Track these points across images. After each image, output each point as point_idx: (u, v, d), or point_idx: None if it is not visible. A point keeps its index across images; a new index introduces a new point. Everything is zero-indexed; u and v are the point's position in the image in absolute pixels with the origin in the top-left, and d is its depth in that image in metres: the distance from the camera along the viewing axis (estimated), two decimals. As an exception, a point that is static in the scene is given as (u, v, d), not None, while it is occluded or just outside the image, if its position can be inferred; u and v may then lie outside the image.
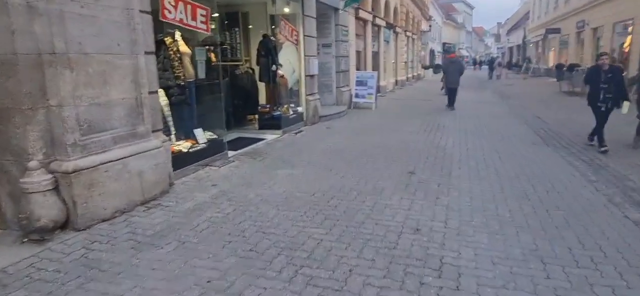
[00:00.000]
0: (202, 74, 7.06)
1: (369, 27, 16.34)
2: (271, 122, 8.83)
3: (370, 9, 16.12)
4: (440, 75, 19.64)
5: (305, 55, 9.67)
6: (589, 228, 3.80)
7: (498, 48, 79.50)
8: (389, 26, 20.56)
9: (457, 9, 72.77)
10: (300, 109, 9.81)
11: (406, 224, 3.95)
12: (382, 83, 18.95)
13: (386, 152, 7.03)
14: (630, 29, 16.87)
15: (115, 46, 4.23)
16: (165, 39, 5.77)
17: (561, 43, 28.27)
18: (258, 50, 8.77)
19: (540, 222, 3.96)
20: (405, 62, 26.99)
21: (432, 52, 44.51)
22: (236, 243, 3.58)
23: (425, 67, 35.55)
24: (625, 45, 17.36)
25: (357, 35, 15.33)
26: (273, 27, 9.50)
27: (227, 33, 9.82)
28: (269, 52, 8.62)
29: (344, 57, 12.82)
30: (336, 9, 12.12)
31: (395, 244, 3.53)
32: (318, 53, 11.93)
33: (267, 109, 9.01)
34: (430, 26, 38.69)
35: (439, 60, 47.68)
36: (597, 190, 4.94)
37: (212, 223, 4.02)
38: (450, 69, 13.69)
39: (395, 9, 22.40)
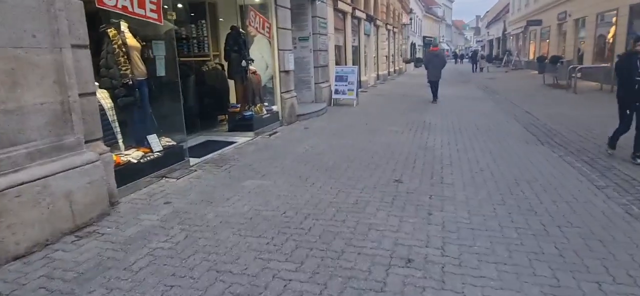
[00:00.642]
0: (161, 71, 6.20)
1: (349, 20, 15.61)
2: (242, 124, 8.02)
3: (349, 1, 15.38)
4: (422, 68, 19.24)
5: (279, 49, 8.87)
6: (616, 252, 3.14)
7: (478, 41, 79.98)
8: (370, 19, 19.88)
9: (437, 2, 72.72)
10: (275, 108, 9.01)
11: (395, 253, 3.22)
12: (363, 78, 18.28)
13: (369, 156, 6.31)
14: (614, 19, 16.55)
15: (29, 38, 3.37)
16: (109, 30, 4.90)
17: (542, 35, 28.09)
18: (226, 44, 7.92)
19: (555, 245, 3.29)
20: (387, 56, 26.41)
21: (413, 45, 44.12)
22: (179, 290, 2.79)
23: (407, 61, 35.07)
24: (609, 36, 17.06)
25: (336, 28, 14.58)
26: (244, 19, 8.67)
27: (193, 26, 8.94)
28: (238, 46, 7.78)
29: (322, 51, 12.05)
30: (313, 0, 11.35)
31: (382, 284, 2.80)
32: (295, 47, 11.16)
33: (238, 109, 8.19)
34: (410, 19, 38.23)
35: (420, 54, 47.42)
36: (609, 197, 4.32)
37: (154, 258, 3.22)
38: (433, 62, 13.56)
39: (376, 1, 21.73)
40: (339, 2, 13.55)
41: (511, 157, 6.08)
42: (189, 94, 8.08)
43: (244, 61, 7.83)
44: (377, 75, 22.92)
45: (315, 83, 11.96)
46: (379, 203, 4.31)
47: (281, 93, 9.09)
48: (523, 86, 18.20)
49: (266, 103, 8.91)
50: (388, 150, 6.65)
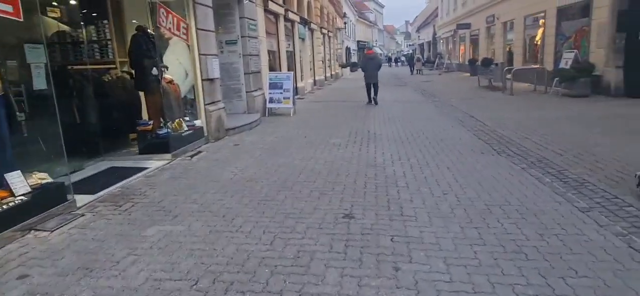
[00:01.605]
0: (41, 84, 4.71)
1: (282, 23, 14.53)
2: (156, 144, 6.62)
3: (281, 2, 14.31)
4: (358, 72, 18.71)
5: (200, 54, 7.56)
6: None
7: (409, 45, 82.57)
8: (304, 22, 18.96)
9: (369, 7, 74.08)
10: (198, 123, 7.68)
11: (359, 351, 2.16)
12: (300, 84, 17.30)
13: (311, 180, 5.24)
14: (541, 22, 16.98)
15: None
16: None
17: (472, 38, 28.88)
18: (131, 48, 6.49)
19: (571, 312, 2.41)
20: (323, 61, 25.69)
21: (348, 49, 44.06)
22: None
23: (343, 65, 34.74)
24: (537, 37, 17.50)
25: (269, 32, 13.44)
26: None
27: (92, 27, 7.38)
28: (147, 50, 6.38)
29: (253, 56, 10.85)
30: (241, 0, 10.14)
31: None
32: (221, 51, 9.89)
33: (150, 127, 6.76)
34: (345, 23, 38.01)
35: (355, 58, 47.57)
36: (601, 225, 3.59)
37: None
38: (369, 65, 13.76)
39: (309, 4, 20.88)
40: (269, 2, 12.43)
41: (472, 173, 5.30)
42: (87, 110, 6.57)
43: (154, 69, 6.44)
44: (314, 80, 22.07)
45: (247, 92, 10.73)
46: (327, 254, 3.24)
47: (205, 105, 7.78)
48: (459, 88, 18.20)
49: (187, 118, 7.55)
50: (332, 171, 5.63)
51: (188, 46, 7.47)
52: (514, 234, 3.48)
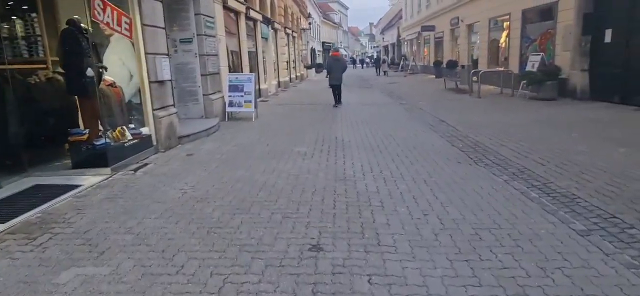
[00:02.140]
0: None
1: (243, 21, 13.71)
2: (93, 157, 5.72)
3: (243, -1, 13.51)
4: (323, 74, 18.20)
5: (147, 53, 6.70)
6: None
7: (374, 47, 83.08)
8: (267, 21, 18.18)
9: (334, 9, 73.92)
10: (145, 131, 6.81)
11: None
12: (263, 86, 16.52)
13: (272, 199, 4.55)
14: (505, 25, 16.99)
15: None
16: None
17: (436, 40, 28.97)
18: (61, 45, 5.57)
19: None
20: (288, 62, 24.96)
21: (313, 51, 43.51)
22: None
23: (308, 67, 34.14)
24: (501, 40, 17.52)
25: (229, 31, 12.61)
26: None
27: (18, 21, 6.37)
28: (79, 48, 5.48)
29: (211, 56, 10.01)
30: (196, -7, 9.29)
31: None
32: (175, 50, 9.00)
33: (85, 136, 5.85)
34: (309, 24, 37.43)
35: (320, 60, 47.08)
36: (607, 254, 3.09)
37: None
38: (334, 66, 13.59)
39: (272, 3, 20.12)
40: (229, -1, 11.62)
41: (452, 188, 4.77)
42: (7, 118, 5.58)
43: (89, 69, 5.55)
44: (278, 82, 21.32)
45: (205, 95, 9.87)
46: (290, 306, 2.57)
47: (154, 110, 6.91)
48: (426, 90, 17.97)
49: (132, 125, 6.66)
50: (297, 187, 4.96)
51: (132, 44, 6.58)
52: (512, 269, 2.93)
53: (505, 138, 7.28)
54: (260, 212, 4.18)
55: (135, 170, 5.90)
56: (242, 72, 13.42)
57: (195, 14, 9.39)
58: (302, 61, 33.51)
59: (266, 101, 15.65)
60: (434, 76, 26.48)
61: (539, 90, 12.00)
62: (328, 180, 5.23)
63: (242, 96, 10.45)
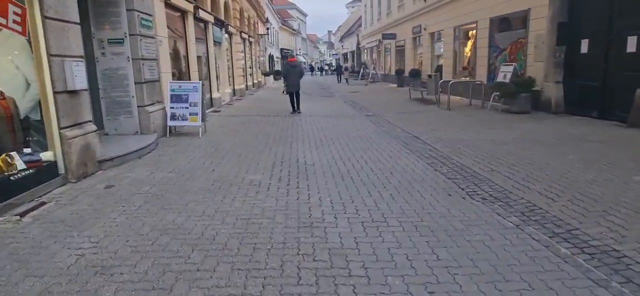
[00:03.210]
0: None
1: (191, 22, 12.16)
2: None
3: (190, -3, 11.96)
4: (282, 81, 16.91)
5: (51, 55, 5.12)
6: None
7: (333, 54, 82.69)
8: (220, 24, 16.65)
9: (292, 16, 72.86)
10: (46, 156, 5.21)
11: None
12: (215, 95, 14.96)
13: (208, 268, 3.17)
14: (471, 33, 16.41)
15: None
16: None
17: (398, 48, 28.40)
18: None
19: None
20: (244, 68, 23.43)
21: (271, 57, 42.09)
22: None
23: (266, 74, 32.67)
24: (467, 50, 16.94)
25: (174, 33, 11.04)
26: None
27: None
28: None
29: (148, 61, 8.44)
30: (128, -15, 7.72)
31: None
32: (103, 53, 7.40)
33: (-52, 170, 4.21)
34: (267, 29, 36.01)
35: (279, 66, 45.74)
36: None
37: None
38: (291, 72, 13.31)
39: (226, 5, 18.60)
40: (172, -5, 10.07)
41: (454, 240, 3.59)
42: None
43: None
44: (233, 90, 19.76)
45: (140, 107, 8.28)
46: None
47: (61, 129, 5.32)
48: (390, 100, 17.04)
49: (28, 150, 5.05)
50: (246, 242, 3.60)
51: (29, 42, 4.99)
52: None
53: (493, 161, 6.27)
54: (187, 293, 2.80)
55: (23, 213, 4.31)
56: (189, 79, 11.85)
57: (127, 10, 7.82)
58: (259, 67, 32.01)
59: (219, 111, 14.11)
60: (396, 85, 25.83)
61: (512, 102, 11.28)
62: (289, 227, 3.91)
63: (186, 108, 8.93)
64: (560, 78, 10.90)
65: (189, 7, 11.68)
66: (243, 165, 6.40)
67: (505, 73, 12.06)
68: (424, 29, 21.62)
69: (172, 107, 8.92)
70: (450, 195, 4.85)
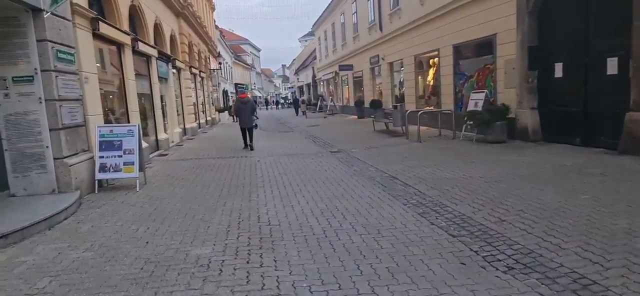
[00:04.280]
0: None
1: (130, 56, 10.64)
2: None
3: (125, 27, 10.47)
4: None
5: None
6: None
7: (289, 87, 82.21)
8: (165, 59, 15.16)
9: (245, 51, 72.05)
10: None
11: None
12: (162, 136, 13.34)
13: None
14: (432, 61, 15.90)
15: None
16: None
17: (355, 79, 27.86)
18: None
19: None
20: (195, 105, 21.83)
21: (225, 93, 40.57)
22: None
23: (220, 110, 31.06)
24: (429, 78, 16.39)
25: (108, 65, 9.50)
26: None
27: None
28: None
29: (69, 102, 6.87)
30: (37, 10, 6.20)
31: None
32: (6, 94, 5.84)
33: None
34: (220, 64, 34.64)
35: (232, 102, 44.28)
36: None
37: None
38: (242, 109, 13.27)
39: (173, 38, 17.15)
40: (101, 24, 8.56)
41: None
42: None
43: None
44: (184, 129, 18.10)
45: (57, 159, 6.64)
46: None
47: None
48: (354, 134, 16.05)
49: None
50: None
51: None
52: None
53: (496, 207, 5.22)
54: None
55: None
56: (128, 121, 10.24)
57: (38, 41, 6.28)
58: (213, 104, 30.41)
59: (166, 154, 12.48)
60: (356, 116, 25.08)
61: (487, 131, 10.54)
62: (253, 352, 2.55)
63: (119, 156, 7.37)
64: (536, 104, 10.30)
65: (126, 40, 10.18)
66: (188, 232, 4.95)
67: (475, 101, 11.39)
68: (382, 58, 21.12)
69: (102, 156, 7.32)
70: (464, 264, 3.68)
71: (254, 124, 13.38)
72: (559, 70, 9.65)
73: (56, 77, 6.50)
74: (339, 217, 5.27)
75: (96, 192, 7.26)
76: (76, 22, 7.47)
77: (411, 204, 5.72)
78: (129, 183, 7.72)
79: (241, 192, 7.05)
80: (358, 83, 27.52)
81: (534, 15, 10.11)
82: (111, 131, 7.48)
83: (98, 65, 9.25)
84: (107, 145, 7.36)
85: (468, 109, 11.46)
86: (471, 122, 10.90)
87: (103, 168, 7.31)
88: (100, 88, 9.10)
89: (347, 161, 9.76)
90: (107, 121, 9.18)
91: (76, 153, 7.01)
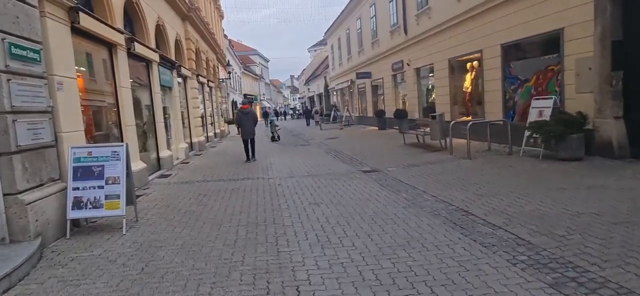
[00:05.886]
0: None
1: (123, 59, 8.86)
2: None
3: (119, 24, 8.71)
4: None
5: None
6: None
7: (299, 98, 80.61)
8: (170, 65, 13.43)
9: (254, 61, 70.82)
10: None
11: None
12: (164, 153, 11.54)
13: None
14: (469, 65, 13.96)
15: None
16: None
17: (375, 88, 25.97)
18: None
19: None
20: (203, 117, 20.10)
21: (234, 103, 38.93)
22: None
23: (229, 122, 29.31)
24: (466, 84, 14.44)
25: (93, 69, 7.73)
26: None
27: None
28: None
29: (31, 115, 5.06)
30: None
31: None
32: None
33: None
34: (229, 74, 33.00)
35: (235, 113, 42.75)
36: None
37: None
38: (244, 120, 12.93)
39: (178, 43, 15.44)
40: (82, 16, 6.77)
41: None
42: None
43: None
44: (190, 144, 16.33)
45: (9, 195, 4.78)
46: None
47: None
48: (381, 147, 14.11)
49: None
50: None
51: None
52: None
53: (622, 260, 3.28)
54: None
55: None
56: (121, 138, 8.44)
57: (-17, 30, 4.49)
58: (222, 116, 28.69)
59: (169, 175, 10.66)
60: (377, 128, 23.16)
61: (560, 146, 8.55)
62: None
63: (100, 187, 5.52)
64: (621, 112, 8.32)
65: (118, 39, 8.40)
66: (188, 323, 3.06)
67: (540, 109, 9.40)
68: (407, 64, 19.23)
69: (77, 188, 5.48)
70: None
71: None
72: (656, 69, 7.68)
73: (8, 80, 4.69)
74: (424, 290, 3.34)
75: (68, 236, 5.39)
76: (46, 11, 5.69)
77: (521, 262, 3.78)
78: (115, 222, 5.87)
79: (263, 234, 5.16)
80: (377, 92, 25.64)
81: (619, 2, 8.17)
82: (90, 153, 5.62)
83: (83, 69, 7.49)
84: (83, 172, 5.51)
85: (531, 119, 9.47)
86: (538, 135, 8.90)
87: (78, 203, 5.46)
88: (86, 98, 7.34)
89: (389, 184, 7.83)
90: (93, 140, 7.38)
91: (40, 185, 5.17)
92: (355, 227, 5.23)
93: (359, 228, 5.19)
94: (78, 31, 6.80)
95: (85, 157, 5.56)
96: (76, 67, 6.80)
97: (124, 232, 5.48)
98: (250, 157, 12.81)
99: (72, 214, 5.43)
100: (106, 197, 5.50)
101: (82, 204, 5.46)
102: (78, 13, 6.48)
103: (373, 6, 23.70)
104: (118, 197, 5.51)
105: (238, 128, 13.31)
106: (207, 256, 4.49)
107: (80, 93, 6.98)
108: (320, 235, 5.00)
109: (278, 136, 20.85)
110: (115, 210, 5.50)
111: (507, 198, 6.12)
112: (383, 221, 5.43)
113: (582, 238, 4.24)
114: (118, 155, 5.63)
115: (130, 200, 5.85)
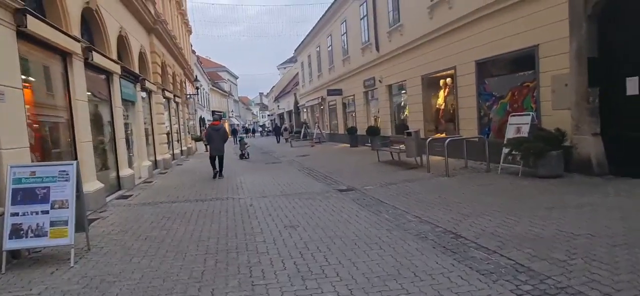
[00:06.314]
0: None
1: (79, 69, 8.11)
2: None
3: (75, 32, 7.98)
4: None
5: None
6: None
7: (268, 115, 79.92)
8: (132, 77, 12.65)
9: (223, 78, 69.81)
10: None
11: None
12: (125, 172, 10.71)
13: None
14: (443, 81, 13.91)
15: None
16: None
17: (345, 105, 25.78)
18: None
19: None
20: (169, 134, 19.19)
21: (202, 120, 37.87)
22: None
23: (197, 139, 28.31)
24: (440, 100, 14.36)
25: (44, 79, 6.98)
26: None
27: None
28: None
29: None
30: None
31: None
32: None
33: None
34: (197, 89, 32.09)
35: (204, 129, 41.68)
36: None
37: None
38: (214, 136, 12.84)
39: (143, 56, 14.66)
40: (30, 20, 6.06)
41: None
42: None
43: None
44: (155, 162, 15.43)
45: None
46: None
47: None
48: (356, 165, 13.73)
49: None
50: None
51: None
52: None
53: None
54: None
55: None
56: (75, 155, 7.65)
57: None
58: (189, 132, 27.70)
59: (129, 196, 9.83)
60: (349, 144, 22.87)
61: (539, 163, 8.40)
62: None
63: (45, 212, 4.79)
64: (598, 129, 8.28)
65: (74, 47, 7.67)
66: None
67: (517, 125, 9.29)
68: (379, 81, 19.11)
69: (16, 213, 4.73)
70: None
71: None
72: (632, 85, 7.67)
73: None
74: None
75: (3, 270, 4.61)
76: (-15, 12, 4.98)
77: (527, 293, 3.40)
78: (62, 253, 5.12)
79: (235, 264, 4.58)
80: (348, 109, 25.45)
81: (594, 20, 8.18)
82: (33, 173, 4.89)
83: (33, 79, 6.74)
84: (25, 194, 4.78)
85: (508, 136, 9.34)
86: (517, 152, 8.75)
87: (17, 232, 4.70)
88: (35, 112, 6.59)
89: (368, 205, 7.39)
90: (41, 158, 6.60)
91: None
92: (337, 253, 4.73)
93: (341, 254, 4.70)
94: (26, 36, 6.09)
95: (28, 178, 4.83)
96: (23, 77, 6.08)
97: (72, 264, 4.75)
98: (218, 174, 12.62)
99: (10, 244, 4.67)
100: (52, 224, 4.77)
101: (22, 232, 4.71)
102: (25, 16, 5.77)
103: (344, 23, 23.62)
104: (66, 223, 4.79)
105: (206, 144, 12.96)
106: (169, 293, 3.87)
107: (28, 106, 6.28)
108: (299, 264, 4.47)
109: (248, 154, 20.25)
110: (62, 238, 4.77)
111: (495, 218, 5.80)
112: (367, 245, 4.96)
113: (586, 264, 3.92)
114: (67, 175, 4.92)
115: (81, 227, 5.13)
